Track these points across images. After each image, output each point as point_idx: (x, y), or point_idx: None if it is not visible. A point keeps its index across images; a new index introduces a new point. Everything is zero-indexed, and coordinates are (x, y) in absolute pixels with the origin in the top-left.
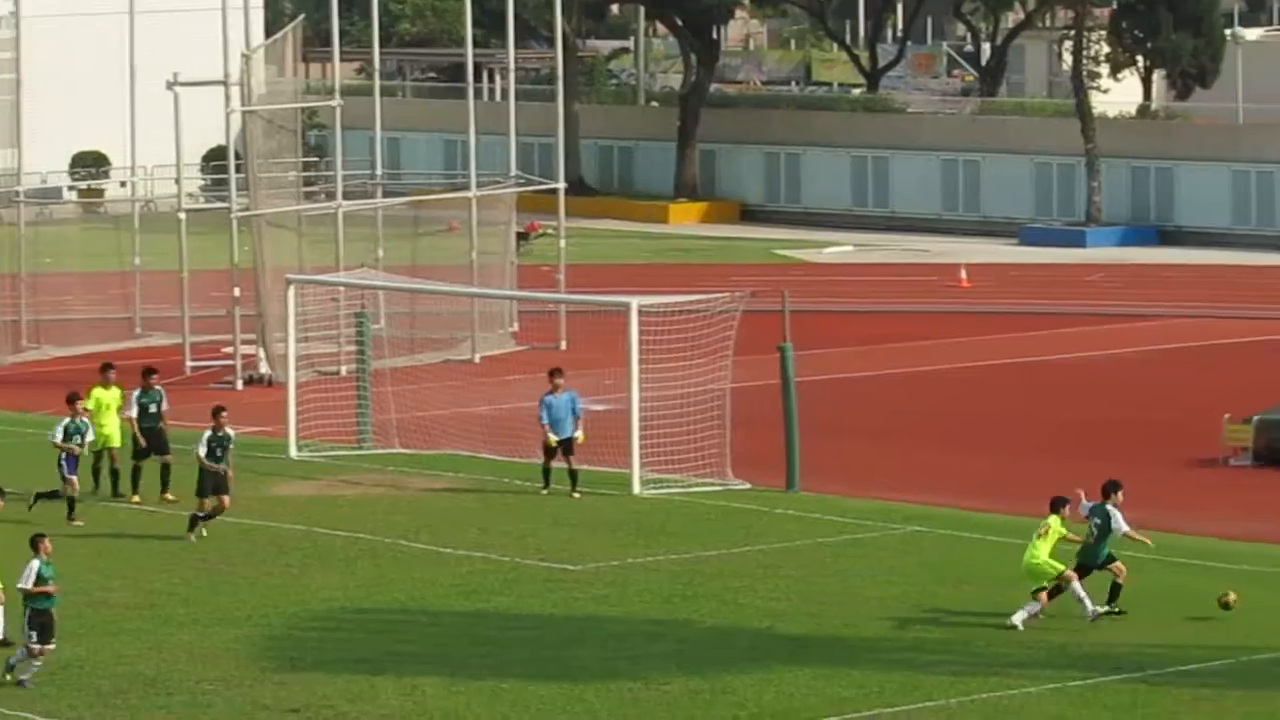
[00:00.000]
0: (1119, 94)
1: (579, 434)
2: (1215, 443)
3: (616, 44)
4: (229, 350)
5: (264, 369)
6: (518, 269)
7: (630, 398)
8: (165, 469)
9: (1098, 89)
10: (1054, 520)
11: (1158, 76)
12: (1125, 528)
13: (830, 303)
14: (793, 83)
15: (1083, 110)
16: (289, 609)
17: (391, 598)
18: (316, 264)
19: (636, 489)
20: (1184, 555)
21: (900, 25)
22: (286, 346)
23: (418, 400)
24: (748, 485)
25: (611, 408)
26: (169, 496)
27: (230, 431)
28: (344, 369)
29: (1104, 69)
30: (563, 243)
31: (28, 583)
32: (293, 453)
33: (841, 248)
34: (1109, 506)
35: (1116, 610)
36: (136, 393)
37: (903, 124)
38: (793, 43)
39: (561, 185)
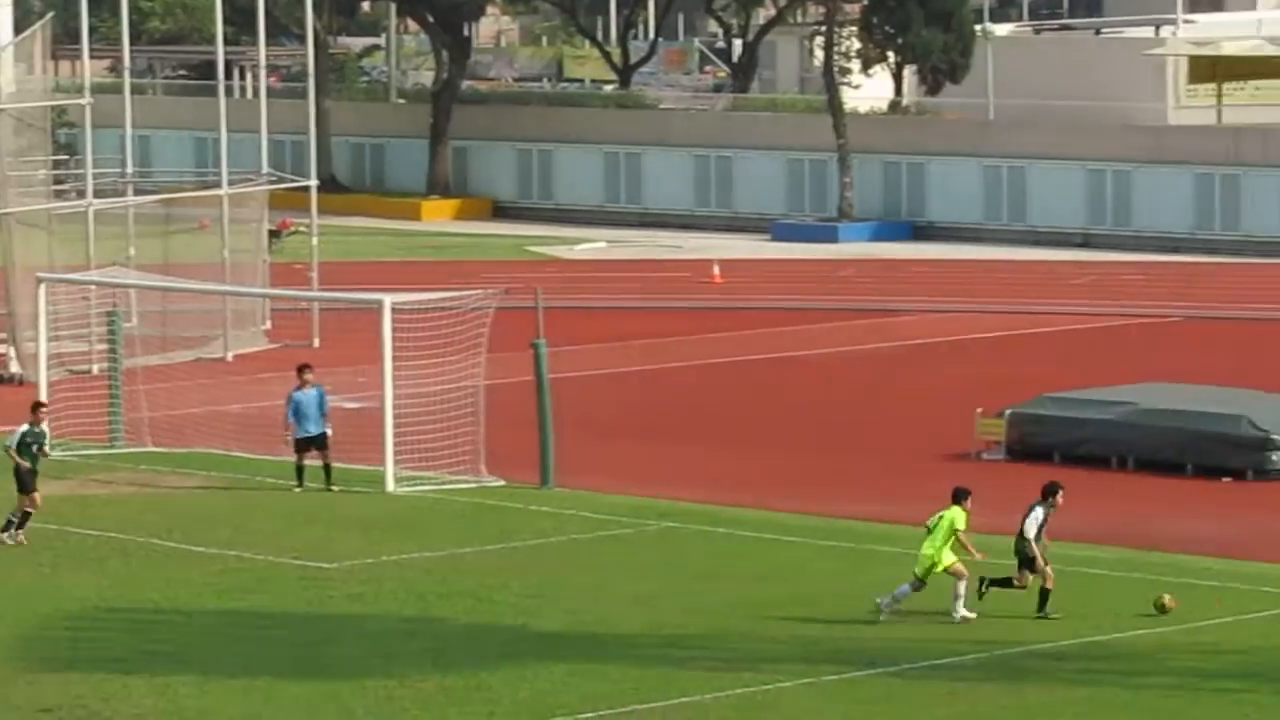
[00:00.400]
0: (871, 90)
1: (328, 429)
2: (968, 437)
3: (368, 41)
4: None
5: (14, 368)
6: (270, 267)
7: (384, 395)
8: None
9: (849, 85)
10: (951, 512)
11: (909, 72)
12: (1030, 532)
13: (584, 299)
14: (545, 79)
15: (834, 106)
16: (41, 609)
17: (144, 597)
18: (67, 262)
19: (391, 486)
20: None
21: (652, 22)
22: (37, 345)
23: (170, 399)
24: (503, 482)
25: (365, 405)
26: None
27: (45, 428)
28: (96, 368)
29: (855, 65)
30: (315, 240)
31: None
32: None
33: (594, 244)
34: (1039, 507)
35: (1049, 615)
36: None
37: (655, 120)
38: (544, 39)
39: (314, 183)
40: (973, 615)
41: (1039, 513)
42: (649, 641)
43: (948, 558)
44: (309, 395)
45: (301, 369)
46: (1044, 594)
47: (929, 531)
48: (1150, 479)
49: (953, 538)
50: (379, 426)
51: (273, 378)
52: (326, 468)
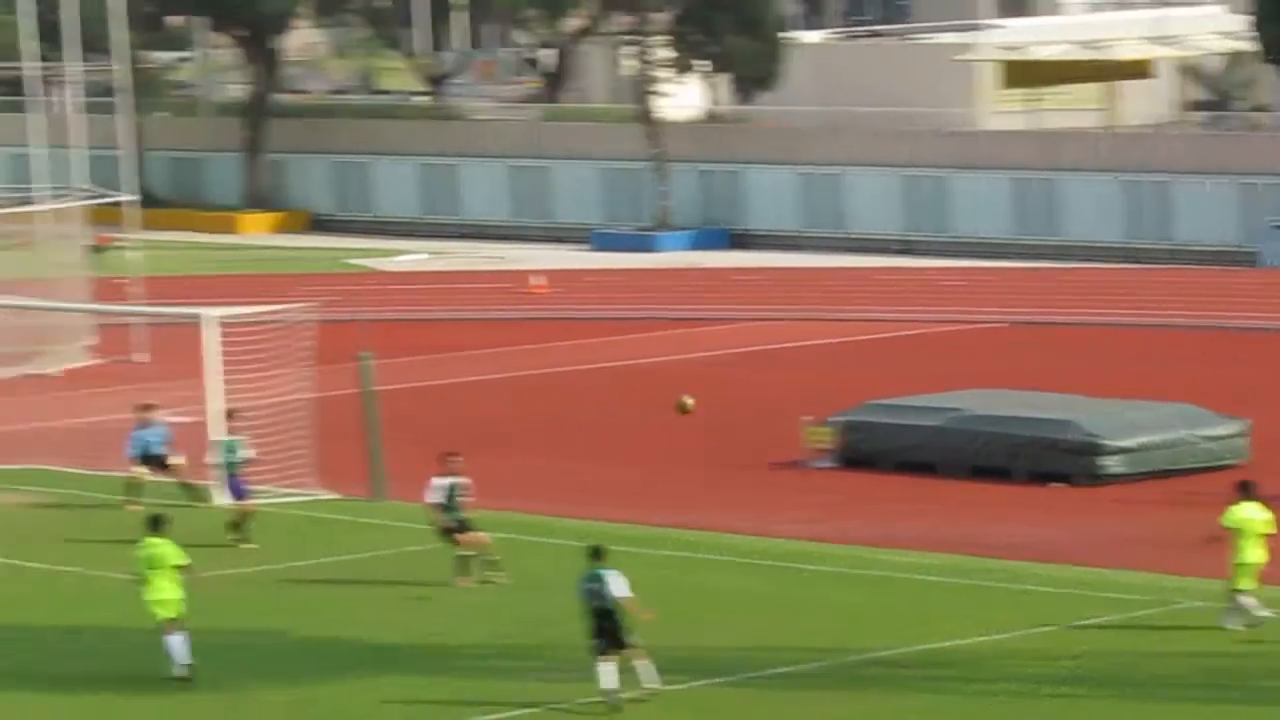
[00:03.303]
0: (685, 97)
1: (174, 455)
2: (795, 445)
3: (178, 54)
4: None
5: None
6: (91, 282)
7: (209, 409)
8: None
9: (660, 94)
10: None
11: (722, 80)
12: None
13: (405, 310)
14: (356, 91)
15: (647, 115)
16: None
17: None
18: None
19: (221, 500)
20: (772, 558)
21: (463, 33)
22: None
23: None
24: (335, 495)
25: (193, 420)
26: None
27: None
28: None
29: (666, 73)
30: (136, 255)
31: None
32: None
33: (415, 256)
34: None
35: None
36: None
37: (469, 131)
38: (354, 51)
39: (132, 197)
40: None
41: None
42: (486, 651)
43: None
44: (152, 433)
45: (144, 408)
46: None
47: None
48: (979, 485)
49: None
50: (206, 440)
51: (104, 392)
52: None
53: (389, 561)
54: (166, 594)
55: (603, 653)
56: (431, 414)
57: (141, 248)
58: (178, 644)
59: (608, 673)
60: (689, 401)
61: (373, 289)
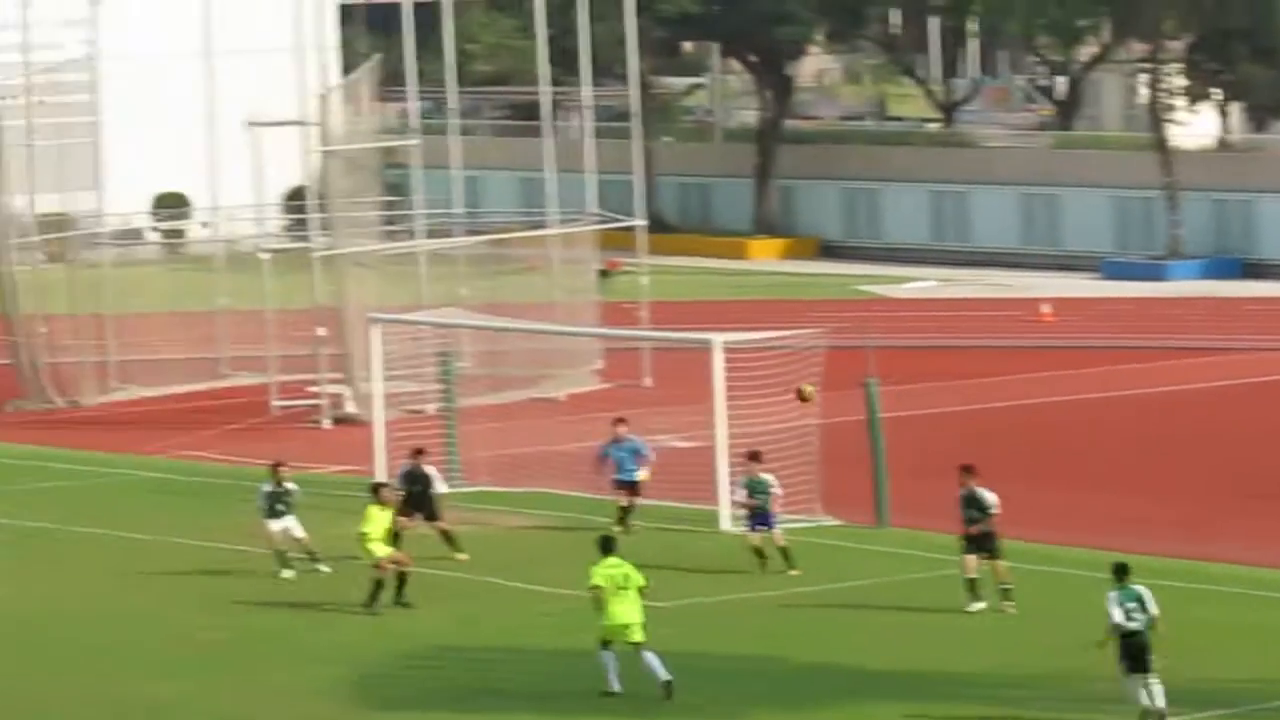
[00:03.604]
0: (1198, 126)
1: (642, 473)
2: None
3: (690, 80)
4: (315, 390)
5: (350, 408)
6: (600, 306)
7: (716, 435)
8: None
9: (1174, 122)
10: None
11: (1236, 108)
12: None
13: (912, 338)
14: (868, 118)
15: (1160, 143)
16: (382, 648)
17: (484, 636)
18: (399, 302)
19: (727, 526)
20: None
21: (974, 60)
22: (372, 385)
23: (504, 438)
24: (838, 522)
25: (698, 445)
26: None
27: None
28: (431, 408)
29: (1180, 102)
30: (644, 280)
31: None
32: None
33: (922, 283)
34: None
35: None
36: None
37: (980, 158)
38: (867, 79)
39: (641, 222)
40: None
41: None
42: (990, 681)
43: None
44: (624, 447)
45: (617, 421)
46: None
47: None
48: None
49: None
50: (712, 466)
51: (606, 416)
52: (625, 508)
53: (893, 588)
54: (631, 617)
55: (1130, 672)
56: (935, 441)
57: (650, 272)
58: (653, 660)
59: (1144, 690)
60: (809, 389)
61: (880, 315)
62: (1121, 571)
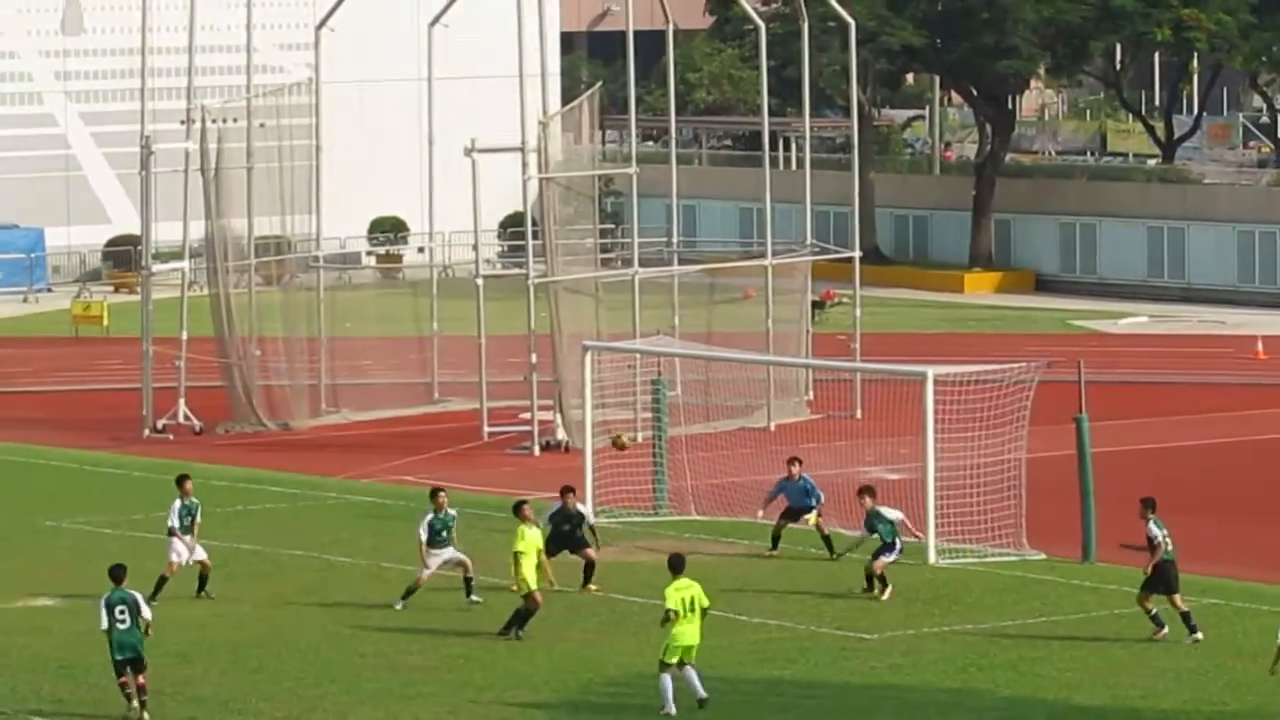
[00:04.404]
0: None
1: (812, 517)
2: None
3: (911, 113)
4: (526, 416)
5: (561, 435)
6: (813, 337)
7: (926, 467)
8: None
9: None
10: None
11: None
12: None
13: (1125, 374)
14: (1088, 153)
15: None
16: (584, 674)
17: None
18: (612, 330)
19: (932, 558)
20: None
21: (1196, 96)
22: (583, 412)
23: (713, 467)
24: (1043, 556)
25: (906, 477)
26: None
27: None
28: (640, 435)
29: None
30: (859, 311)
31: None
32: (590, 519)
33: (1136, 319)
34: None
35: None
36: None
37: (1198, 195)
38: (1088, 113)
39: (857, 254)
40: None
41: None
42: (1190, 717)
43: None
44: (796, 486)
45: (791, 461)
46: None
47: None
48: None
49: None
50: (921, 498)
51: (815, 448)
52: (826, 539)
53: (1097, 623)
54: (694, 639)
55: None
56: (1146, 477)
57: (864, 304)
58: (693, 676)
59: None
60: (623, 438)
61: (1094, 350)
62: None
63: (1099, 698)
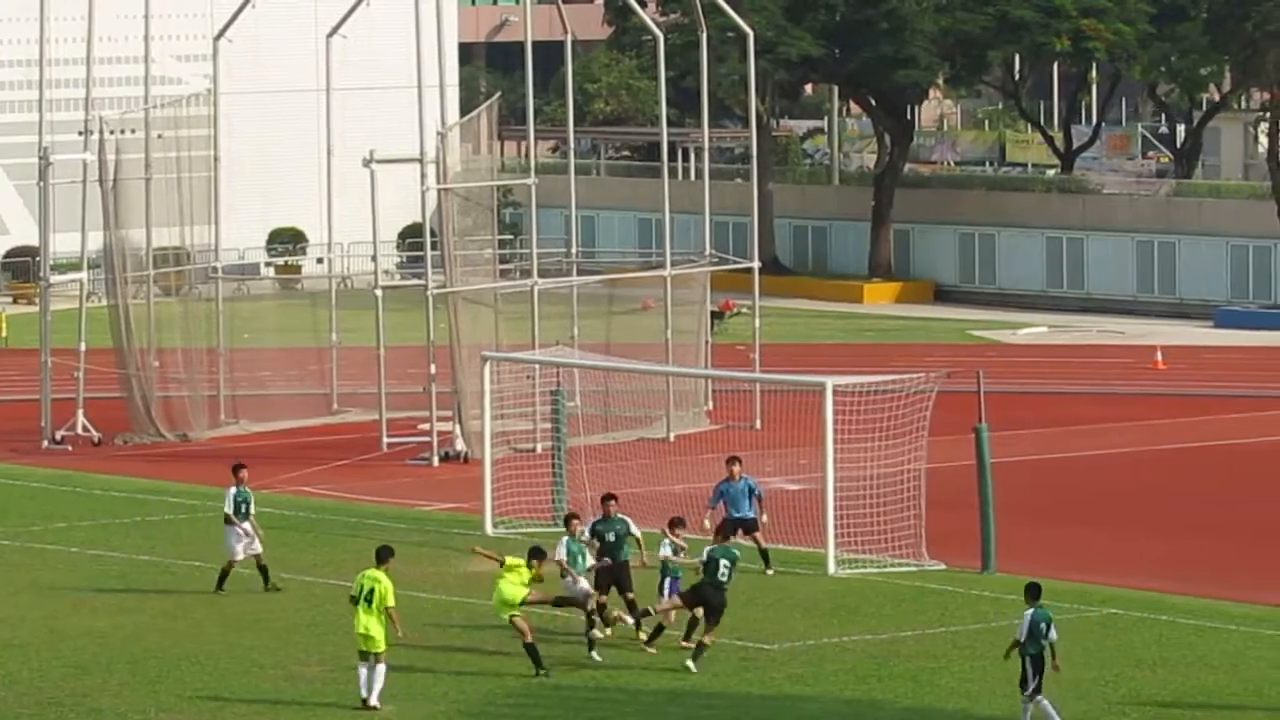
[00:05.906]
0: None
1: (764, 517)
2: None
3: (810, 124)
4: (425, 427)
5: (460, 445)
6: (712, 348)
7: (825, 477)
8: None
9: None
10: None
11: None
12: None
13: (1024, 384)
14: (987, 163)
15: (1278, 193)
16: (483, 688)
17: (587, 675)
18: (512, 341)
19: (832, 569)
20: None
21: (1095, 106)
22: (483, 423)
23: (612, 478)
24: (943, 566)
25: (806, 487)
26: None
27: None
28: (539, 446)
29: None
30: (758, 322)
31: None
32: (489, 529)
33: (1036, 329)
34: None
35: None
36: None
37: (1097, 205)
38: (987, 123)
39: (756, 264)
40: None
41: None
42: None
43: None
44: (737, 486)
45: (730, 460)
46: None
47: None
48: None
49: None
50: (819, 509)
51: (714, 458)
52: (763, 552)
53: (997, 634)
54: (368, 629)
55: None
56: (1044, 487)
57: (764, 314)
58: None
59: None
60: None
61: (994, 361)
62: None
63: (999, 708)
